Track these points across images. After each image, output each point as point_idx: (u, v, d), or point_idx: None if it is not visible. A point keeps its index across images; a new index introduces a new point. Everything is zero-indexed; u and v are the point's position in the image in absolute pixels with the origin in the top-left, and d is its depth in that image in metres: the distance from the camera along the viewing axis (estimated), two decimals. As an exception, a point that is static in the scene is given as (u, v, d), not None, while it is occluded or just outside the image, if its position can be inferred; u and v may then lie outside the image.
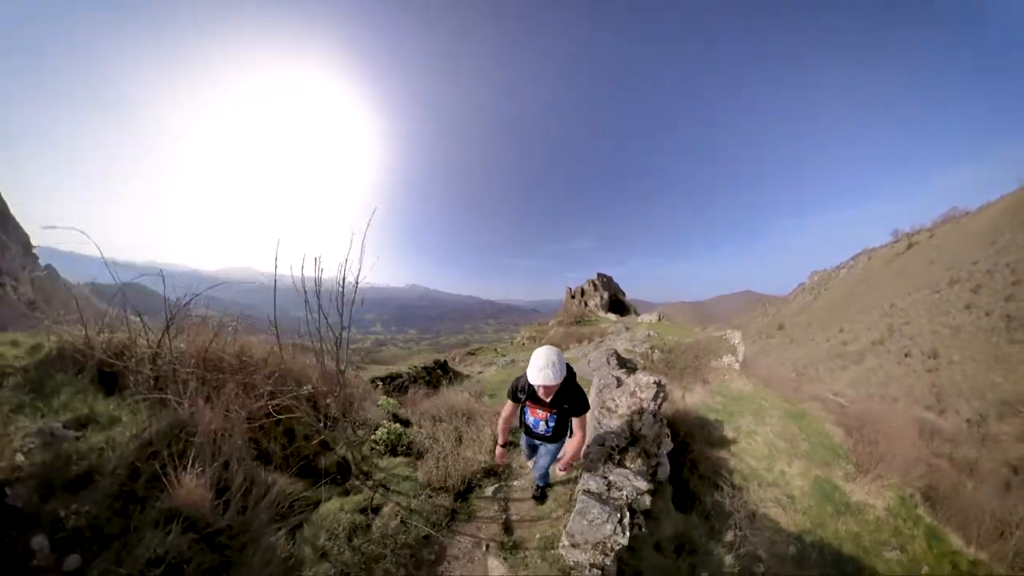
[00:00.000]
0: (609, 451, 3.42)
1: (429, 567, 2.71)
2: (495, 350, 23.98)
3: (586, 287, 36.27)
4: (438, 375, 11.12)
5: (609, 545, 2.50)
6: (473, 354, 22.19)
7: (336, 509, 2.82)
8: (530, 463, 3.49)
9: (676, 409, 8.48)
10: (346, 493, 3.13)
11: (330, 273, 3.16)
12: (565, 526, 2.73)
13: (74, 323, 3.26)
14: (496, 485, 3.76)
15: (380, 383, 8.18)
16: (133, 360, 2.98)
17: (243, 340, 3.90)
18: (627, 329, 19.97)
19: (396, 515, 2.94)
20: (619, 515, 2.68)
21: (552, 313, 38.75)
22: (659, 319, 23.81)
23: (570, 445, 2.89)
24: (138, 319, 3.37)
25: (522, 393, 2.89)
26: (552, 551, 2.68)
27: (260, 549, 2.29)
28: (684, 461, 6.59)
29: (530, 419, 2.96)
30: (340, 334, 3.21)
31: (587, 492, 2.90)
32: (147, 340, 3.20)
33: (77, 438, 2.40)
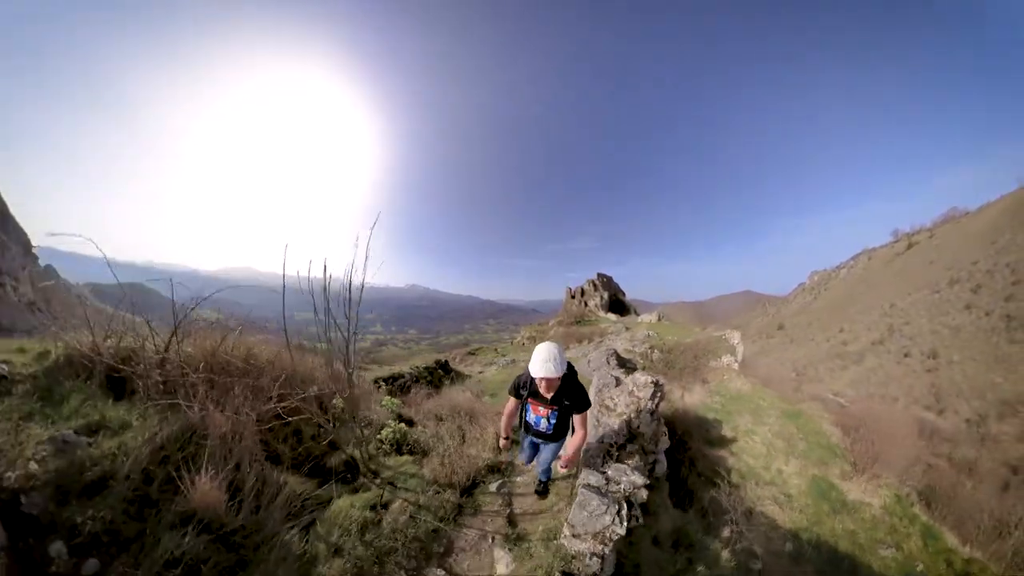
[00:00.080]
0: (608, 448, 3.54)
1: (439, 559, 2.84)
2: (495, 350, 24.05)
3: (586, 287, 36.33)
4: (440, 375, 11.20)
5: (608, 535, 2.65)
6: (473, 354, 22.27)
7: (347, 506, 2.91)
8: (528, 465, 3.57)
9: (675, 409, 8.56)
10: (355, 491, 3.22)
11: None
12: (566, 518, 2.86)
13: (80, 328, 3.26)
14: (500, 481, 3.88)
15: (382, 383, 8.28)
16: (141, 365, 3.00)
17: (249, 342, 3.93)
18: (627, 329, 20.06)
19: (405, 511, 3.05)
20: (617, 507, 2.82)
21: (552, 313, 38.81)
22: (659, 319, 23.88)
23: (571, 442, 2.96)
24: (144, 323, 3.34)
25: (524, 389, 2.96)
26: (555, 541, 2.79)
27: (275, 547, 2.36)
28: (682, 459, 6.69)
29: (531, 416, 3.03)
30: (349, 337, 3.28)
31: (587, 486, 3.04)
32: (155, 345, 3.22)
33: (89, 444, 2.42)
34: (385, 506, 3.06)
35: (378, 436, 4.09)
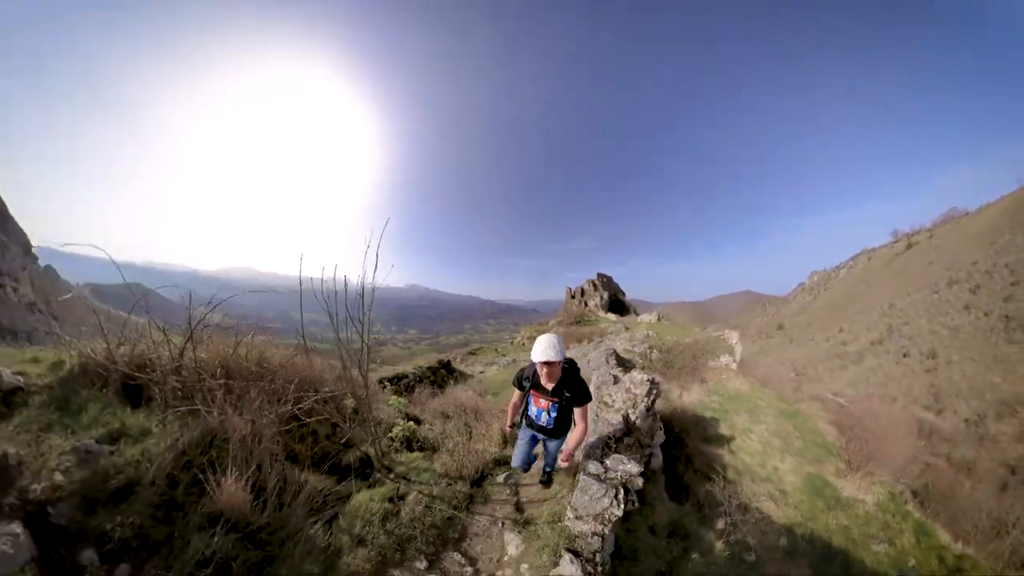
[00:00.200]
0: (607, 440, 3.76)
1: (454, 543, 3.08)
2: (495, 350, 24.19)
3: (586, 287, 36.46)
4: (443, 375, 11.38)
5: (607, 516, 2.91)
6: (474, 354, 22.43)
7: (367, 500, 3.08)
8: (517, 466, 3.67)
9: (673, 407, 8.72)
10: (371, 486, 3.38)
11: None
12: (570, 502, 3.11)
13: (94, 336, 3.24)
14: (507, 473, 4.09)
15: (387, 383, 8.45)
16: (158, 372, 3.03)
17: (260, 346, 3.99)
18: (627, 329, 20.20)
19: (421, 501, 3.24)
20: (615, 491, 3.09)
21: (552, 313, 38.93)
22: (658, 319, 24.02)
23: (572, 436, 3.11)
24: (154, 327, 3.31)
25: (527, 381, 3.13)
26: (559, 523, 3.03)
27: (300, 542, 2.49)
28: (679, 456, 6.85)
29: (533, 410, 3.18)
30: (363, 339, 3.42)
31: (587, 473, 3.31)
32: (170, 352, 3.23)
33: (112, 453, 2.44)
34: (402, 498, 3.26)
35: (389, 434, 4.26)
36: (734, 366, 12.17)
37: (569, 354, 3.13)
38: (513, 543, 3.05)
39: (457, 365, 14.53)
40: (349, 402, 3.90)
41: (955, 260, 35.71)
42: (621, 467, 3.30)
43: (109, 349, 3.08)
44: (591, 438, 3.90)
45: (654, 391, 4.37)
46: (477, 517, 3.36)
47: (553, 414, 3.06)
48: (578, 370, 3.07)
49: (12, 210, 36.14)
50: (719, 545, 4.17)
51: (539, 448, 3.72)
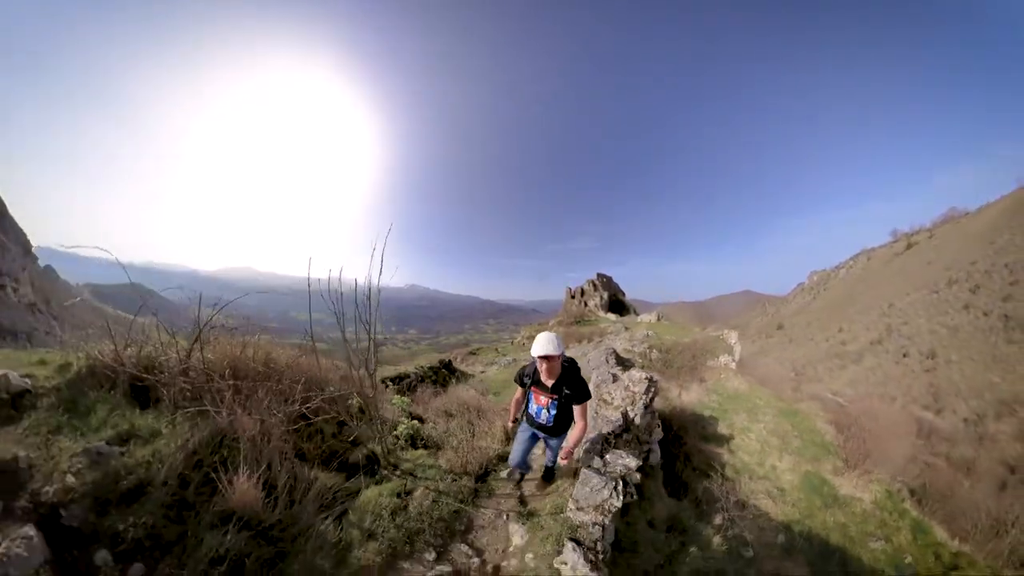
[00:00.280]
0: (606, 436, 3.86)
1: (461, 535, 3.20)
2: (496, 350, 24.25)
3: (586, 287, 36.51)
4: (445, 375, 11.44)
5: (607, 507, 3.04)
6: (474, 354, 22.48)
7: (375, 495, 3.17)
8: (513, 466, 3.77)
9: (672, 406, 8.79)
10: (379, 483, 3.47)
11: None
12: (571, 494, 3.24)
13: (100, 338, 3.25)
14: (509, 469, 4.12)
15: (389, 383, 8.51)
16: (166, 373, 3.04)
17: (267, 347, 4.07)
18: (626, 329, 20.26)
19: (428, 496, 3.34)
20: (614, 483, 3.21)
21: (552, 313, 38.99)
22: (658, 319, 24.08)
23: (572, 434, 3.19)
24: (160, 328, 3.38)
25: (527, 378, 3.23)
26: (562, 515, 3.15)
27: (311, 537, 2.54)
28: (677, 454, 6.92)
29: (533, 407, 3.27)
30: (370, 340, 3.49)
31: (588, 467, 3.44)
32: (177, 353, 3.24)
33: (122, 454, 2.45)
34: (409, 493, 3.35)
35: (393, 432, 4.34)
36: (733, 366, 12.24)
37: (569, 354, 3.21)
38: (518, 534, 3.16)
39: (458, 365, 14.60)
40: (355, 401, 3.97)
41: (954, 260, 35.80)
42: (620, 461, 3.41)
43: (117, 351, 3.09)
44: (591, 434, 4.00)
45: (652, 389, 4.46)
46: (482, 510, 3.46)
47: (553, 411, 3.12)
48: (578, 369, 3.14)
49: (12, 210, 36.16)
50: (717, 540, 4.25)
51: (538, 448, 3.80)
